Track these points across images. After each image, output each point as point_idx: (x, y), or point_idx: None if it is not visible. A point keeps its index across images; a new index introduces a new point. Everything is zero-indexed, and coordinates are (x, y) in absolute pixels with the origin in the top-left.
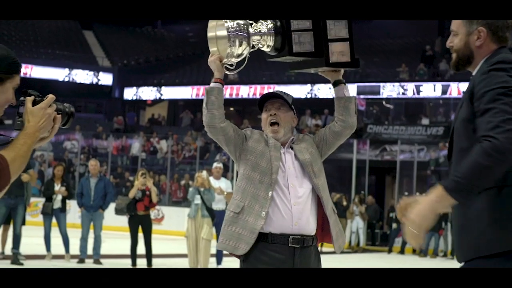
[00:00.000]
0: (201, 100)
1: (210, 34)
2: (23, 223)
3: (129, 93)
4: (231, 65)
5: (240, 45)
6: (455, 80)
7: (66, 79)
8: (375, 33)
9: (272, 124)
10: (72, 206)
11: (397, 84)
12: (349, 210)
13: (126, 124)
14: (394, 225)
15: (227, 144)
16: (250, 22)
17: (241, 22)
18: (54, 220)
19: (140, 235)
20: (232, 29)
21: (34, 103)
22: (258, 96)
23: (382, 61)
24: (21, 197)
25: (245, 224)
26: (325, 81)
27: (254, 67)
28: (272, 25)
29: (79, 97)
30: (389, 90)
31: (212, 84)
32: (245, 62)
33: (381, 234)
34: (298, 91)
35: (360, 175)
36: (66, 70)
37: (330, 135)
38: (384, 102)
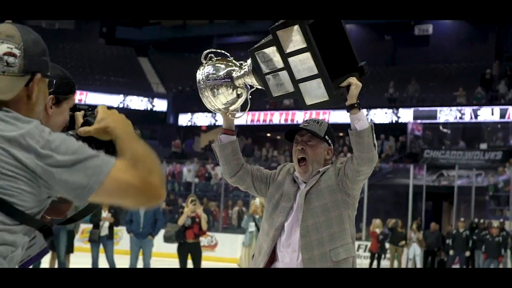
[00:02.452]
0: (256, 126)
1: None
2: (71, 250)
3: (184, 119)
4: (236, 110)
5: (231, 90)
6: None
7: (121, 106)
8: (431, 57)
9: (300, 160)
10: (125, 233)
11: (454, 108)
12: (407, 237)
13: (183, 150)
14: (451, 252)
15: (250, 191)
16: (234, 63)
17: (222, 66)
18: (102, 247)
19: (190, 263)
20: (203, 82)
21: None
22: None
23: (438, 85)
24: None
25: None
26: (381, 105)
27: None
28: (250, 65)
29: (133, 124)
30: (446, 114)
31: (219, 137)
32: (248, 104)
33: (438, 261)
34: None
35: (417, 201)
36: (121, 97)
37: (349, 170)
38: (441, 127)
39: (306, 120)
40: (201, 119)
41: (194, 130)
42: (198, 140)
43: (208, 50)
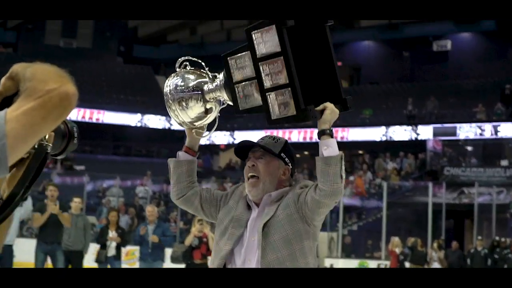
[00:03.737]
0: None
1: None
2: None
3: (202, 138)
4: (202, 128)
5: (200, 104)
6: None
7: (139, 125)
8: (450, 73)
9: (250, 178)
10: None
11: (474, 124)
12: (428, 256)
13: (202, 167)
14: None
15: (199, 214)
16: (207, 74)
17: (193, 77)
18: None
19: None
20: (170, 93)
21: None
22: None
23: (458, 101)
24: (57, 243)
25: None
26: (400, 122)
27: None
28: (223, 77)
29: (151, 142)
30: (466, 131)
31: (178, 153)
32: (216, 123)
33: None
34: (373, 133)
35: (437, 219)
36: (139, 116)
37: (309, 198)
38: (461, 144)
39: (262, 137)
40: (220, 138)
41: (213, 149)
42: (217, 158)
43: (183, 58)
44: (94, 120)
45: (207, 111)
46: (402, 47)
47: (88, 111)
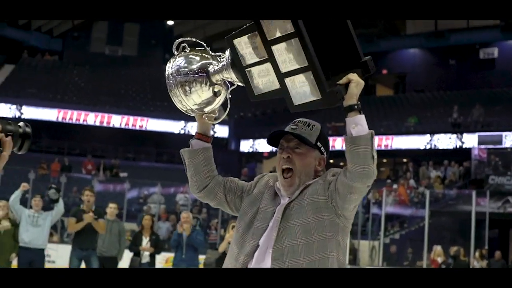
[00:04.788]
0: None
1: None
2: None
3: (246, 146)
4: (214, 112)
5: (206, 88)
6: None
7: (182, 132)
8: (496, 81)
9: (285, 171)
10: None
11: None
12: (471, 265)
13: (247, 176)
14: None
15: (223, 208)
16: (211, 55)
17: (197, 58)
18: None
19: None
20: (173, 77)
21: None
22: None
23: (504, 109)
24: (92, 249)
25: None
26: (445, 130)
27: (372, 117)
28: (229, 57)
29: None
30: None
31: (190, 142)
32: (228, 105)
33: None
34: (417, 142)
35: (480, 228)
36: (182, 123)
37: (340, 185)
38: (506, 152)
39: (295, 122)
40: (263, 145)
41: (256, 157)
42: (261, 166)
43: (181, 39)
44: (137, 127)
45: (215, 94)
46: (448, 55)
47: (131, 118)
